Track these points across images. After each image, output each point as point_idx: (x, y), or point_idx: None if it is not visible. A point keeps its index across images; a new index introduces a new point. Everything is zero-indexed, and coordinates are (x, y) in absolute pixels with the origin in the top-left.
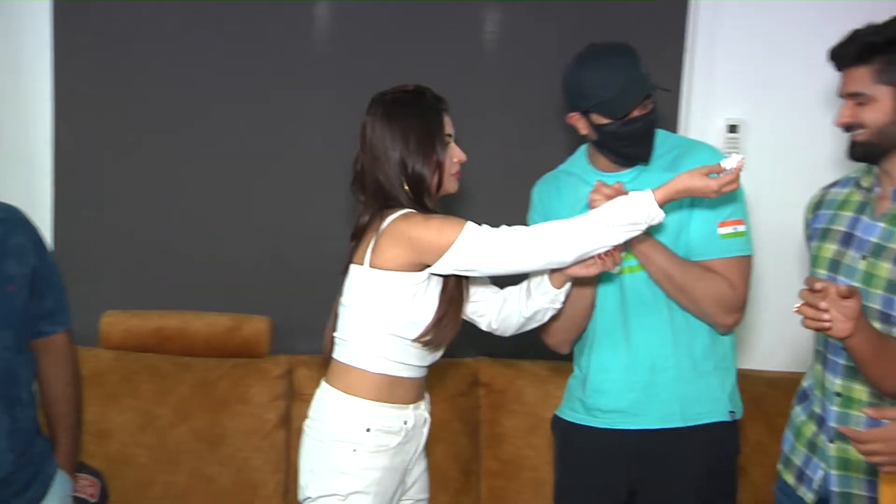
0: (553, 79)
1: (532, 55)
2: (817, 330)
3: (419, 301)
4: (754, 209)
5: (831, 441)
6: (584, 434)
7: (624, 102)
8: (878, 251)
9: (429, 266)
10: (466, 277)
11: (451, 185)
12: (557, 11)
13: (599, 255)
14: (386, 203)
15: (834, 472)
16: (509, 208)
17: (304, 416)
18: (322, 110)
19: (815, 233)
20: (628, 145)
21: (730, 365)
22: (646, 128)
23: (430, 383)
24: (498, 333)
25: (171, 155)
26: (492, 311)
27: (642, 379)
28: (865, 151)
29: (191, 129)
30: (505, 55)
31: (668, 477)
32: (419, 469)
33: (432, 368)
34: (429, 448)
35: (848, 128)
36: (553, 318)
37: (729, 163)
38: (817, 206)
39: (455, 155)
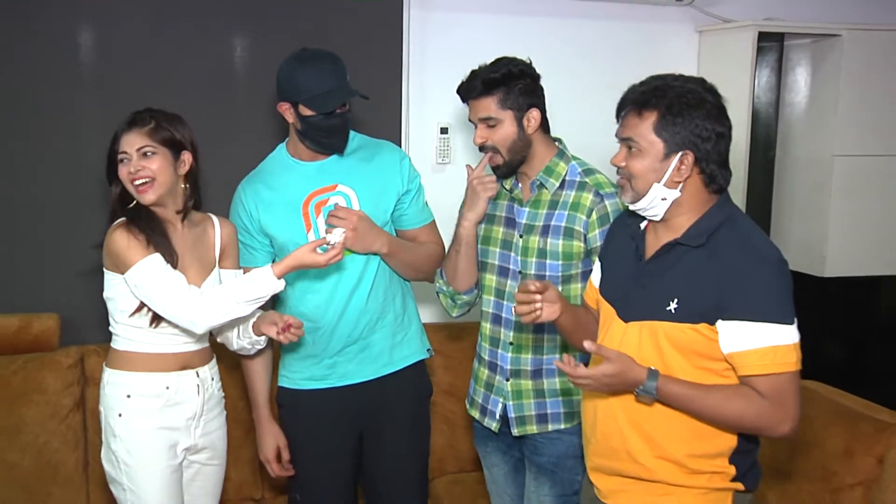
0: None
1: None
2: (533, 321)
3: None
4: (461, 195)
5: (507, 380)
6: (317, 396)
7: (330, 100)
8: (528, 230)
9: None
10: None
11: (137, 196)
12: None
13: (281, 329)
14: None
15: (511, 403)
16: None
17: (98, 399)
18: (84, 118)
19: (484, 217)
20: (327, 137)
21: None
22: (342, 124)
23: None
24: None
25: None
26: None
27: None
28: (506, 171)
29: None
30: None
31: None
32: (214, 434)
33: None
34: None
35: (482, 147)
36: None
37: (333, 237)
38: None
39: (122, 172)
